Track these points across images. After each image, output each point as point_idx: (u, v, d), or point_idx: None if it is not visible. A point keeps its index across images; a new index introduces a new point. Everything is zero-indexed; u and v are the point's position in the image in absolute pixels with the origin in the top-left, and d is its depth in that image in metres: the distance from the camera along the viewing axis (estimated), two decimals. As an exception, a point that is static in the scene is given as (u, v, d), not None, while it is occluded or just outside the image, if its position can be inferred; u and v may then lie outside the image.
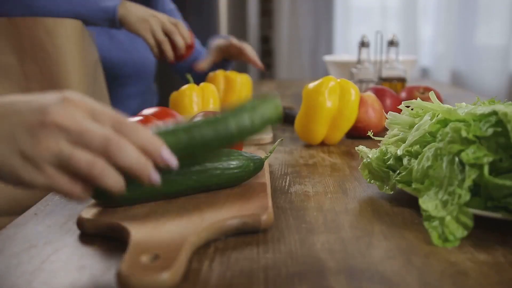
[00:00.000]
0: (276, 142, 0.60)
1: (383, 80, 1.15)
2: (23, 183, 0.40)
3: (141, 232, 0.44)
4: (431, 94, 0.61)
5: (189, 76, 0.89)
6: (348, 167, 0.70)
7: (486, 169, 0.46)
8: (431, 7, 2.71)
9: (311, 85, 0.82)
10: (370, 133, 0.64)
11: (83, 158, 0.39)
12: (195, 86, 0.88)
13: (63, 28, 0.88)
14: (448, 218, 0.46)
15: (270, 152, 0.59)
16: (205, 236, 0.45)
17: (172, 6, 1.37)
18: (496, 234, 0.47)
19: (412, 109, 0.62)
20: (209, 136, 0.48)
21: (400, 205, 0.55)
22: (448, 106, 0.58)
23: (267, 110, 0.50)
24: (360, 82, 1.15)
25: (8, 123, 0.39)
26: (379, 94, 0.94)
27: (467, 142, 0.49)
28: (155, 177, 0.42)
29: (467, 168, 0.47)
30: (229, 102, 1.04)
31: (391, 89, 1.11)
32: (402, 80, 1.14)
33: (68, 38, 0.87)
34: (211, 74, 1.09)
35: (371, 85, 1.13)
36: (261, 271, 0.40)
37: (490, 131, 0.48)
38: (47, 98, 0.41)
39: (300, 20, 2.96)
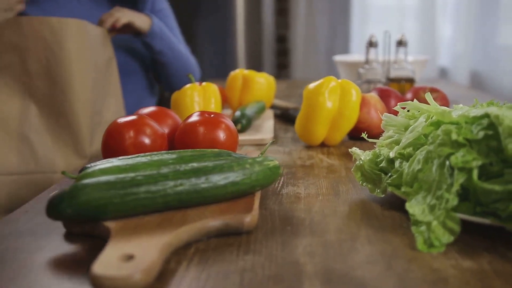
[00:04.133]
0: (267, 144, 0.59)
1: (391, 80, 1.13)
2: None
3: (121, 231, 0.44)
4: (427, 96, 0.59)
5: (191, 76, 0.89)
6: (345, 169, 0.69)
7: (475, 173, 0.45)
8: (451, 5, 2.66)
9: (312, 85, 0.81)
10: (364, 135, 0.63)
11: None
12: (196, 85, 0.88)
13: (68, 28, 0.89)
14: (434, 223, 0.45)
15: (262, 153, 0.58)
16: (185, 237, 0.44)
17: (164, 5, 1.38)
18: (485, 240, 0.45)
19: (408, 111, 0.61)
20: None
21: (391, 208, 0.54)
22: (444, 108, 0.57)
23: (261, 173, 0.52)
24: (367, 82, 1.13)
25: None
26: (384, 94, 0.92)
27: (457, 145, 0.48)
28: None
29: (455, 172, 0.46)
30: (246, 102, 1.04)
31: (399, 90, 1.10)
32: (410, 81, 1.12)
33: (72, 37, 0.88)
34: (231, 73, 1.09)
35: (379, 86, 1.12)
36: (237, 273, 0.40)
37: (481, 134, 0.47)
38: None
39: (316, 19, 2.94)
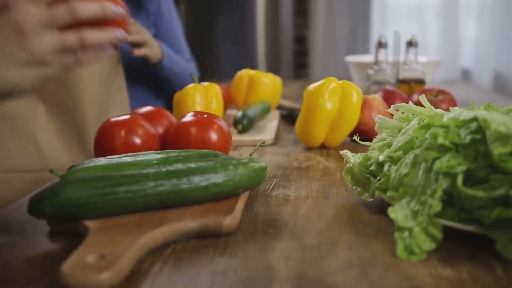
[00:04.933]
0: (257, 146, 0.59)
1: (400, 82, 1.11)
2: (42, 80, 0.49)
3: (99, 231, 0.44)
4: (421, 98, 0.58)
5: (194, 76, 0.90)
6: (340, 172, 0.68)
7: (459, 179, 0.43)
8: (475, 4, 2.59)
9: (312, 86, 0.80)
10: (356, 137, 0.62)
11: (71, 37, 0.49)
12: (198, 86, 0.88)
13: None
14: (416, 229, 0.44)
15: (250, 155, 0.58)
16: (161, 238, 0.44)
17: (170, 5, 1.39)
18: (468, 248, 0.44)
19: (402, 113, 0.59)
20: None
21: (378, 213, 0.53)
22: (439, 110, 0.55)
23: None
24: (376, 83, 1.11)
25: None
26: (389, 96, 0.90)
27: (443, 149, 0.46)
28: (117, 9, 0.52)
29: (440, 177, 0.45)
30: (251, 102, 1.04)
31: (409, 91, 1.08)
32: (420, 82, 1.09)
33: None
34: (238, 73, 1.09)
35: (388, 87, 1.10)
36: (209, 275, 0.40)
37: (468, 138, 0.45)
38: (4, 16, 0.47)
39: (336, 19, 2.91)
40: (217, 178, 0.50)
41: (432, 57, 1.51)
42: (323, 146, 0.82)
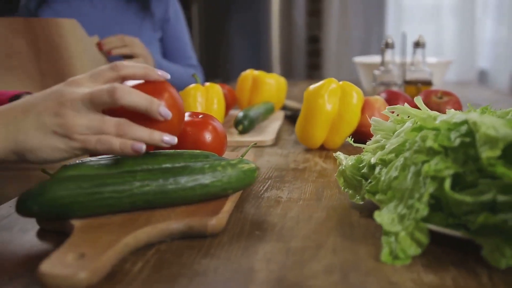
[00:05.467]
0: (249, 147, 0.59)
1: (407, 83, 1.09)
2: (64, 154, 0.48)
3: (83, 230, 0.44)
4: (417, 99, 0.57)
5: (196, 76, 0.90)
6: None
7: (447, 183, 0.42)
8: (492, 3, 2.55)
9: (312, 87, 0.79)
10: (349, 139, 0.61)
11: (110, 122, 0.47)
12: (200, 86, 0.88)
13: (71, 28, 0.92)
14: (402, 233, 0.43)
15: (242, 156, 0.57)
16: (144, 238, 0.44)
17: (176, 7, 1.40)
18: (456, 254, 0.43)
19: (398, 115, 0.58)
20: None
21: (369, 216, 0.52)
22: (434, 113, 0.54)
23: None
24: (383, 84, 1.10)
25: (34, 114, 0.47)
26: (392, 97, 0.89)
27: (433, 152, 0.45)
28: (165, 112, 0.49)
29: (428, 180, 0.44)
30: (255, 102, 1.04)
31: (416, 93, 1.06)
32: (427, 83, 1.07)
33: (75, 37, 0.90)
34: (242, 73, 1.09)
35: (394, 88, 1.08)
36: (188, 276, 0.40)
37: (458, 141, 0.44)
38: (55, 86, 0.49)
39: (350, 20, 2.89)
40: (204, 179, 0.49)
41: (445, 58, 1.48)
42: (323, 148, 0.81)
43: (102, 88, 0.48)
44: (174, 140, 0.50)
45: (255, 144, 0.62)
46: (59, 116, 0.47)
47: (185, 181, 0.49)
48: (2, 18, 0.87)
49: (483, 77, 2.64)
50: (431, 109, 0.59)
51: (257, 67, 1.18)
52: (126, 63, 0.52)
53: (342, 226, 0.50)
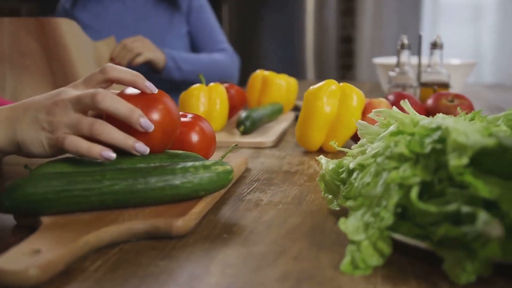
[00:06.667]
0: (229, 148, 0.58)
1: (423, 85, 1.05)
2: (45, 150, 0.50)
3: (50, 227, 0.45)
4: (403, 103, 0.55)
5: (201, 76, 0.90)
6: (327, 178, 0.66)
7: (414, 191, 0.40)
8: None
9: (312, 88, 0.78)
10: (333, 143, 0.59)
11: (85, 121, 0.49)
12: (203, 86, 0.88)
13: (74, 28, 0.94)
14: (365, 242, 0.41)
15: (222, 158, 0.57)
16: (107, 237, 0.45)
17: (202, 1, 1.41)
18: (422, 266, 0.41)
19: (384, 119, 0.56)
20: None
21: (344, 223, 0.50)
22: (422, 117, 0.52)
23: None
24: (398, 86, 1.06)
25: (32, 111, 0.50)
26: (399, 100, 0.86)
27: (404, 159, 0.43)
28: (146, 123, 0.50)
29: (395, 188, 0.42)
30: (264, 103, 1.03)
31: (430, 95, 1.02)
32: (444, 86, 1.03)
33: (78, 38, 0.93)
34: (253, 73, 1.08)
35: (409, 90, 1.05)
36: (139, 278, 0.40)
37: (429, 147, 0.42)
38: (57, 90, 0.53)
39: (384, 19, 2.82)
40: (175, 179, 0.49)
41: (482, 60, 1.42)
42: (321, 150, 0.80)
43: (89, 91, 0.50)
44: (146, 150, 0.51)
45: (236, 145, 0.61)
46: (50, 114, 0.50)
47: (154, 181, 0.49)
48: (15, 18, 0.91)
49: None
50: (441, 113, 0.56)
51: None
52: (116, 66, 0.53)
53: (314, 232, 0.48)
